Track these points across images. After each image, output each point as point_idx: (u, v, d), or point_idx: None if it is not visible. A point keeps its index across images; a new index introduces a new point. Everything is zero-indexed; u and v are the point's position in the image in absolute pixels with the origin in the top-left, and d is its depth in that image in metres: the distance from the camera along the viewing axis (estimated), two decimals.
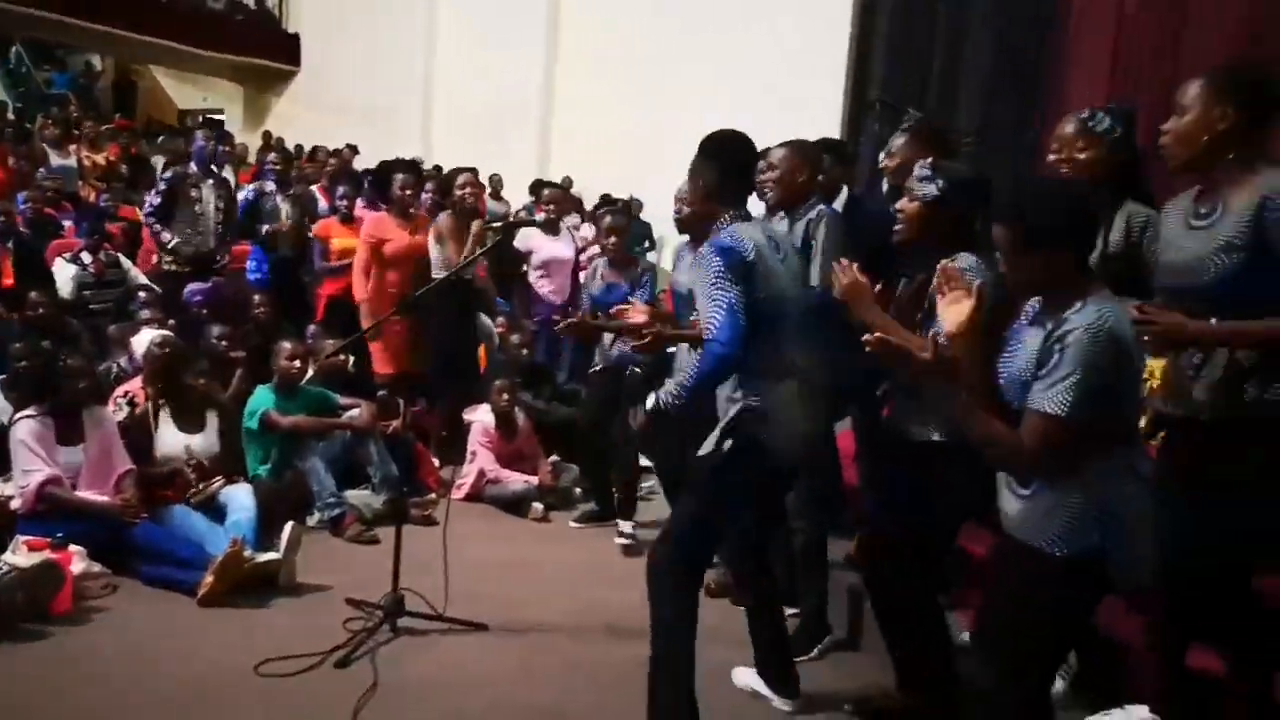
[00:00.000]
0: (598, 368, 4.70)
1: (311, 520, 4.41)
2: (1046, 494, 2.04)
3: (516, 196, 11.29)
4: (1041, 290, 2.08)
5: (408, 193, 5.40)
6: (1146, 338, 2.23)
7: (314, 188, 8.68)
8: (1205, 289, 2.27)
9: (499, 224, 5.75)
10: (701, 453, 2.63)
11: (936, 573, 2.60)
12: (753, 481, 2.64)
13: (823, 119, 8.36)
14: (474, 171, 5.49)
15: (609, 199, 4.85)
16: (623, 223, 4.77)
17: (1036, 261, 2.03)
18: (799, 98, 9.31)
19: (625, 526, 4.51)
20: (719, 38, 11.61)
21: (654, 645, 2.60)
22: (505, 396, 5.08)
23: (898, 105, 6.83)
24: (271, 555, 3.75)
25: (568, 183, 11.78)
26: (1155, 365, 2.63)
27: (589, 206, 11.19)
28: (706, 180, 2.69)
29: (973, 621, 2.51)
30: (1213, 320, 2.22)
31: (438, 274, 4.84)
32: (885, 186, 5.86)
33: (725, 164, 2.68)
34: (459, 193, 5.22)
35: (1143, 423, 3.31)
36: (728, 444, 2.58)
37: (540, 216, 6.18)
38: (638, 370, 4.33)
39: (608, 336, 4.34)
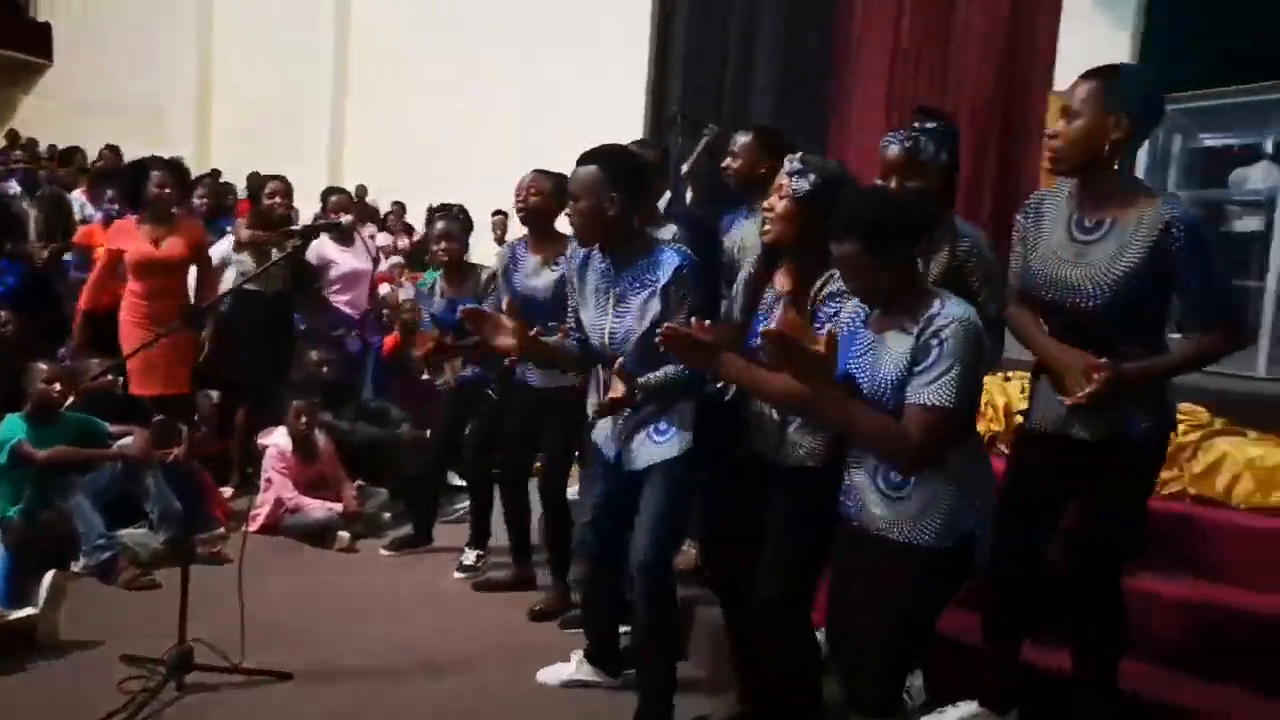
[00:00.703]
0: (446, 386, 4.39)
1: (77, 566, 3.84)
2: (921, 489, 2.05)
3: (306, 206, 10.64)
4: (892, 297, 2.07)
5: (166, 191, 4.61)
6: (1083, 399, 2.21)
7: (77, 192, 7.96)
8: (1100, 310, 2.24)
9: (300, 229, 5.27)
10: (673, 454, 2.63)
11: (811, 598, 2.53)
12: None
13: (629, 124, 8.34)
14: (282, 179, 5.15)
15: (446, 207, 4.49)
16: (456, 228, 4.31)
17: (887, 271, 2.03)
18: (600, 106, 9.25)
19: (469, 557, 4.23)
20: (520, 53, 11.34)
21: (651, 644, 2.76)
22: (303, 418, 4.66)
23: (696, 118, 6.97)
24: (27, 610, 3.23)
25: (361, 191, 11.23)
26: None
27: (385, 212, 10.78)
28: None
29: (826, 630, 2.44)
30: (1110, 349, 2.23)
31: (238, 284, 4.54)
32: (689, 195, 5.94)
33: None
34: (268, 201, 4.93)
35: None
36: (688, 439, 2.63)
37: (347, 219, 5.73)
38: (490, 391, 4.14)
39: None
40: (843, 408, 2.00)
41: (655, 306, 2.58)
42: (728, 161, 3.36)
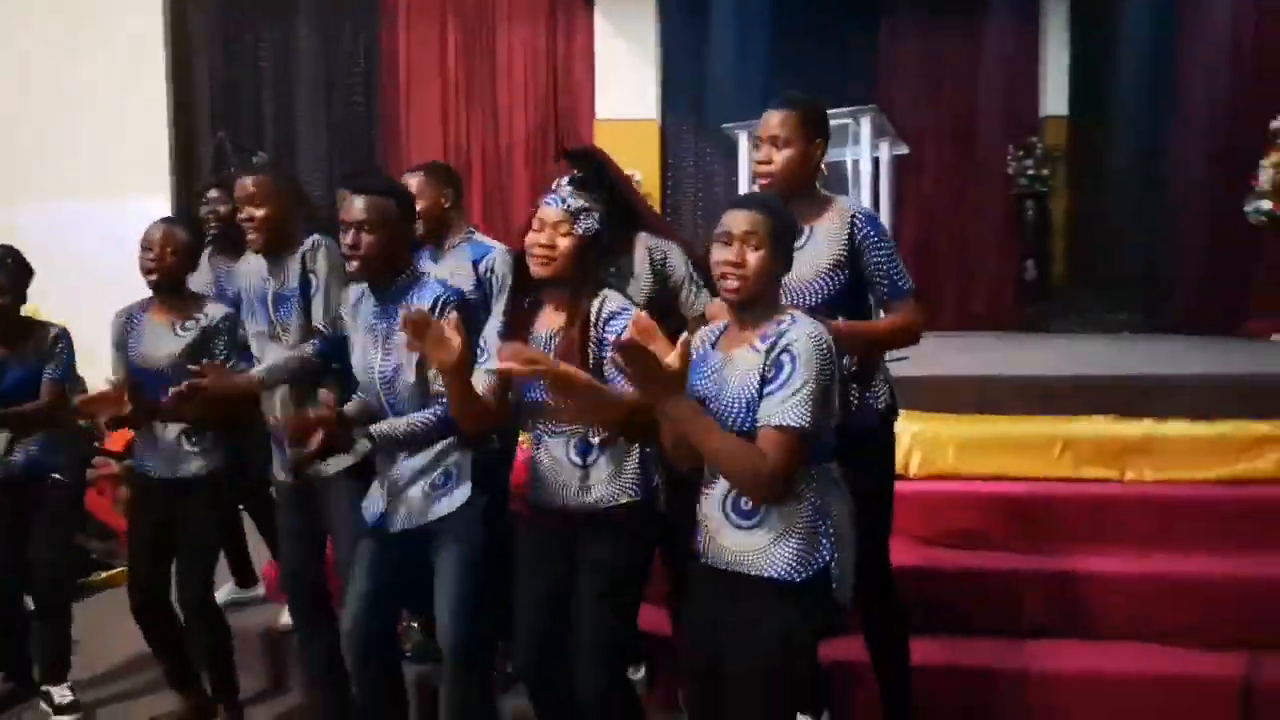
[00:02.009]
0: None
1: None
2: (773, 518, 1.90)
3: None
4: (750, 308, 1.94)
5: None
6: None
7: None
8: (813, 310, 2.24)
9: None
10: (457, 506, 2.39)
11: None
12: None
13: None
14: None
15: None
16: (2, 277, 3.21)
17: (769, 272, 1.92)
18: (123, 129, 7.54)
19: (62, 694, 3.25)
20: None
21: None
22: None
23: (245, 145, 6.82)
24: None
25: None
26: None
27: None
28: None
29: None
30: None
31: None
32: None
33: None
34: None
35: None
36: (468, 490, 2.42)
37: None
38: (58, 477, 3.30)
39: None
40: (701, 423, 1.86)
41: None
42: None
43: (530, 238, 2.22)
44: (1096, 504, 3.28)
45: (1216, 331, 6.11)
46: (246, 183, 2.75)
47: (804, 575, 1.88)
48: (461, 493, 2.41)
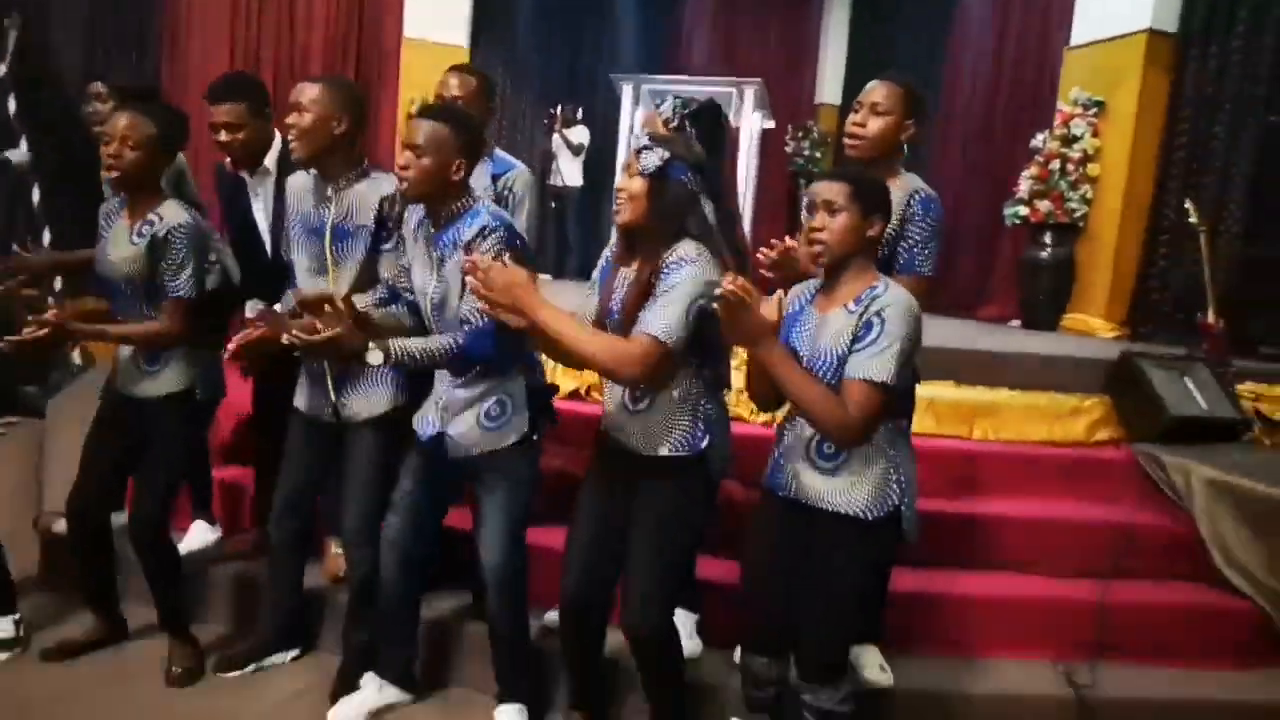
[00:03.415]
0: None
1: None
2: (852, 463, 2.12)
3: None
4: (844, 269, 2.11)
5: None
6: None
7: None
8: None
9: None
10: (508, 442, 2.46)
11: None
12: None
13: None
14: None
15: None
16: None
17: (858, 236, 2.08)
18: None
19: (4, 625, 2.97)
20: None
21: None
22: None
23: None
24: None
25: None
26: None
27: None
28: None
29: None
30: None
31: None
32: None
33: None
34: None
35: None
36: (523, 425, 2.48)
37: None
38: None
39: None
40: (792, 369, 2.01)
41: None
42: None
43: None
44: (959, 456, 3.74)
45: (961, 315, 7.03)
46: (304, 86, 2.53)
47: (876, 515, 2.12)
48: (516, 428, 2.46)
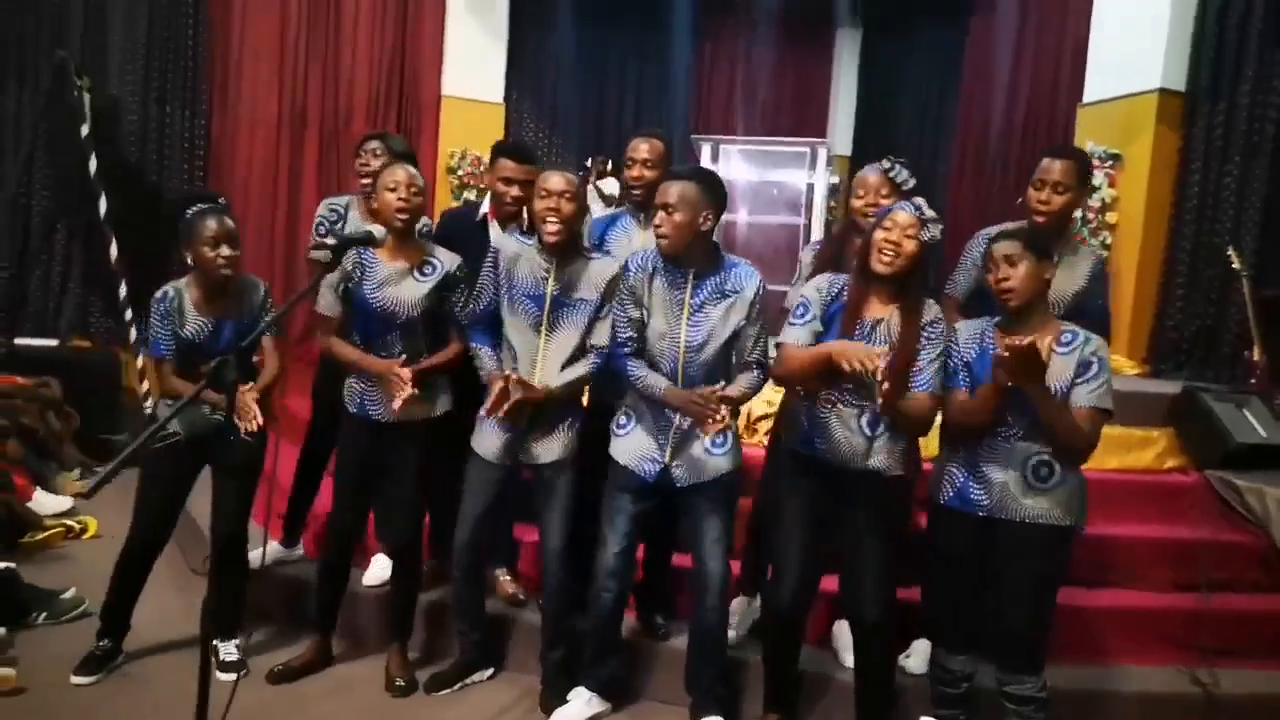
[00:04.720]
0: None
1: None
2: (1067, 479, 2.52)
3: None
4: (1032, 314, 2.54)
5: None
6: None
7: None
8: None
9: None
10: (731, 466, 2.88)
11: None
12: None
13: None
14: None
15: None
16: None
17: (1040, 283, 2.52)
18: None
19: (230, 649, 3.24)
20: None
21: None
22: None
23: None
24: None
25: None
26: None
27: None
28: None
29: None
30: None
31: None
32: None
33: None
34: None
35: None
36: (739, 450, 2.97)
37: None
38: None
39: None
40: (1054, 402, 2.44)
41: (736, 318, 2.78)
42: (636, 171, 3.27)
43: (879, 235, 2.60)
44: None
45: None
46: (560, 177, 2.90)
47: (1076, 523, 2.57)
48: (736, 451, 2.91)
